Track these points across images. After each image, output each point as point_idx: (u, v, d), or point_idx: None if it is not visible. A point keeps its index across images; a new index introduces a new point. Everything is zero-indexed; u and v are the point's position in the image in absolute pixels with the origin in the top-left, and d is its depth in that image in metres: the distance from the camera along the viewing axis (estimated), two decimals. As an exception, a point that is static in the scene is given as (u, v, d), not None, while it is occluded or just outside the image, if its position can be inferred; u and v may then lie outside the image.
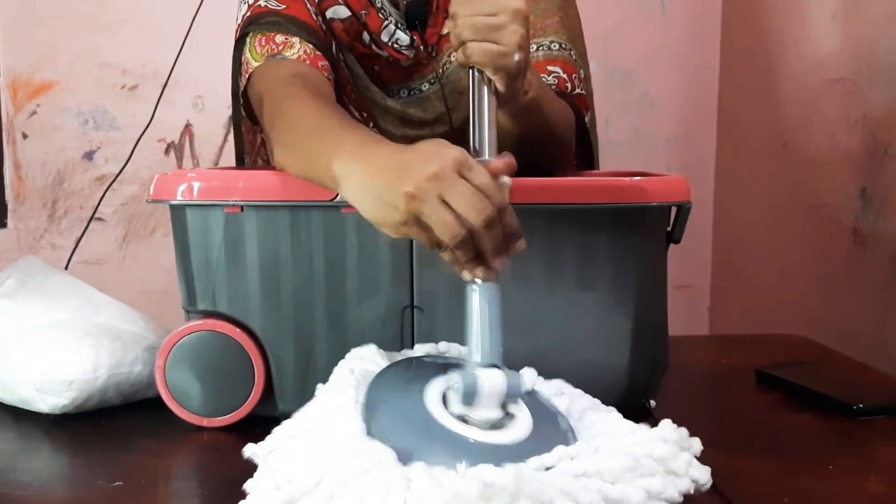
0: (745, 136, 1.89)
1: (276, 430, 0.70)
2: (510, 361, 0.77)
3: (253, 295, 0.89)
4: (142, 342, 0.97)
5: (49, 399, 0.91)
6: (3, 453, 0.87)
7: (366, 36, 1.09)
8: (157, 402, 0.91)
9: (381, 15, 1.08)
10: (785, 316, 1.67)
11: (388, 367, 0.77)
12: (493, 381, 0.69)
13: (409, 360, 0.80)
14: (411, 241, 0.88)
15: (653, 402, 0.92)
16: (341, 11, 1.09)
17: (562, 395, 0.78)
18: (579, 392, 0.79)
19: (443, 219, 0.67)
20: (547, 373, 0.80)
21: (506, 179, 0.72)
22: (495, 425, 0.69)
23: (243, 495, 0.65)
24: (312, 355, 0.89)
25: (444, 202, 0.67)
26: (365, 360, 0.79)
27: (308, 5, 1.07)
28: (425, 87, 1.13)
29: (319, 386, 0.78)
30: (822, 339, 1.32)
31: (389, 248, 0.88)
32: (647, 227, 0.90)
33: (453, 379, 0.70)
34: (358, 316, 0.88)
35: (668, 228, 0.92)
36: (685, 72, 2.02)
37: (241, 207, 0.88)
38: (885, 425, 0.91)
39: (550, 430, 0.71)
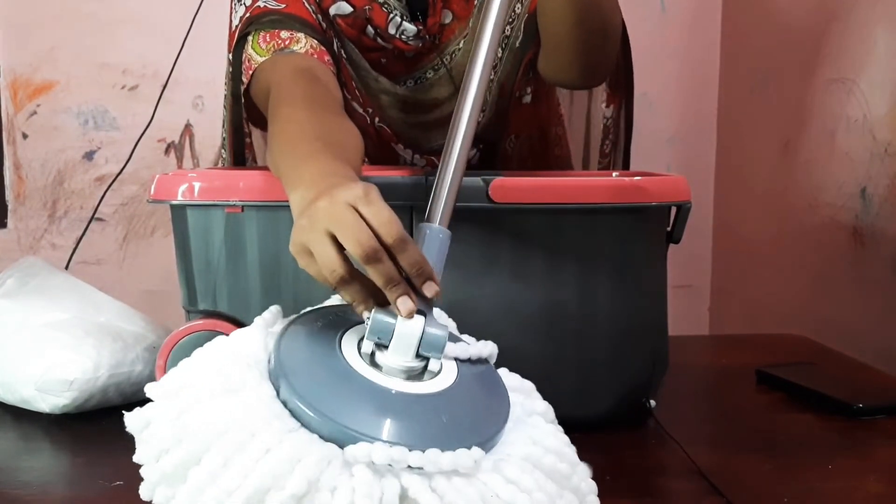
0: (745, 136, 1.89)
1: (154, 391, 0.65)
2: (516, 359, 0.77)
3: (253, 295, 0.89)
4: (142, 342, 0.98)
5: (50, 399, 0.91)
6: (3, 453, 0.87)
7: (370, 30, 1.10)
8: (158, 401, 0.91)
9: (384, 9, 1.09)
10: (785, 316, 1.67)
11: (313, 308, 0.73)
12: (408, 326, 0.65)
13: (338, 306, 0.75)
14: (411, 241, 0.88)
15: (653, 402, 0.92)
16: (344, 7, 1.10)
17: (522, 394, 0.73)
18: (540, 401, 0.74)
19: (326, 254, 0.65)
20: (547, 372, 0.80)
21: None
22: (411, 376, 0.65)
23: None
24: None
25: (332, 236, 0.65)
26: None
27: (307, 4, 1.08)
28: (430, 74, 1.14)
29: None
30: (822, 339, 1.32)
31: (390, 248, 0.88)
32: (647, 227, 0.90)
33: (368, 314, 0.66)
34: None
35: (668, 228, 0.92)
36: (685, 72, 2.02)
37: (242, 207, 0.88)
38: (886, 425, 0.91)
39: (472, 399, 0.67)
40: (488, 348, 0.73)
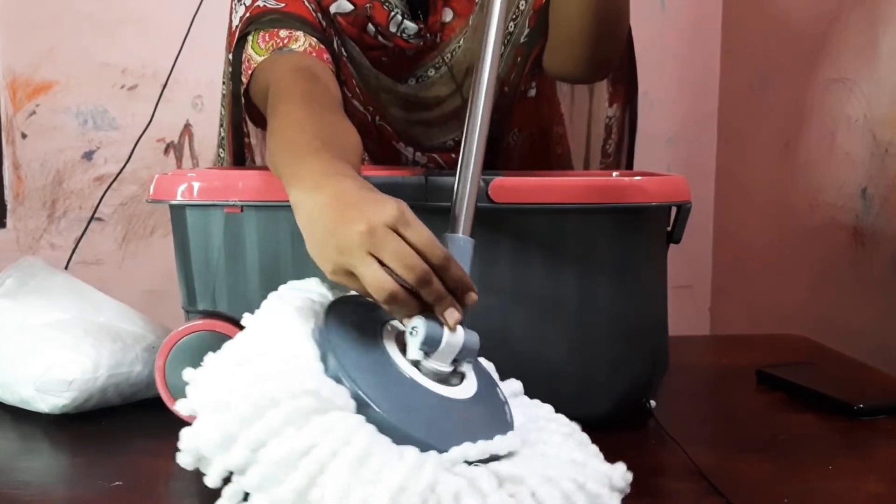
0: (745, 136, 1.89)
1: (212, 363, 0.66)
2: (515, 359, 0.77)
3: (253, 295, 0.89)
4: (142, 342, 0.97)
5: (49, 399, 0.91)
6: (3, 453, 0.87)
7: (371, 28, 1.10)
8: (157, 402, 0.91)
9: (385, 7, 1.09)
10: (785, 316, 1.67)
11: (343, 299, 0.75)
12: (453, 337, 0.69)
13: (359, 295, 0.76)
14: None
15: (653, 402, 0.92)
16: (345, 5, 1.10)
17: (516, 396, 0.78)
18: (510, 380, 0.78)
19: (373, 275, 0.67)
20: (547, 372, 0.80)
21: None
22: (442, 378, 0.70)
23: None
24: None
25: (377, 258, 0.67)
26: (304, 292, 0.76)
27: (307, 2, 1.08)
28: (431, 72, 1.14)
29: (247, 316, 0.73)
30: (822, 339, 1.32)
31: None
32: (647, 227, 0.90)
33: (416, 324, 0.69)
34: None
35: (668, 228, 0.92)
36: (685, 72, 2.02)
37: (241, 207, 0.88)
38: (886, 425, 0.91)
39: (490, 396, 0.73)
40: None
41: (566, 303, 0.88)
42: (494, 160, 1.21)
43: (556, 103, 1.29)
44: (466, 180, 0.75)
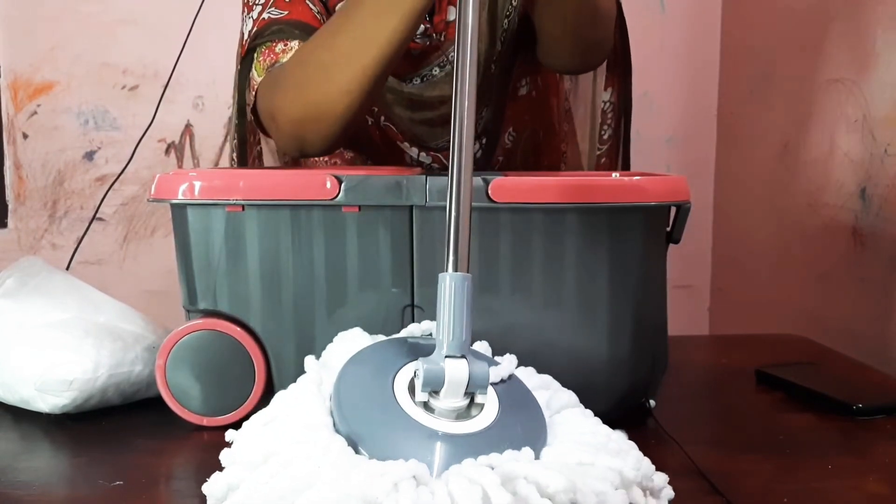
0: (745, 136, 1.89)
1: (246, 425, 0.72)
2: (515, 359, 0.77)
3: (254, 294, 0.89)
4: (142, 342, 0.98)
5: (49, 399, 0.91)
6: (3, 453, 0.87)
7: None
8: (158, 401, 0.91)
9: None
10: (785, 316, 1.67)
11: (360, 352, 0.76)
12: (455, 372, 0.69)
13: (383, 342, 0.79)
14: (411, 240, 0.88)
15: (652, 402, 0.92)
16: None
17: (546, 389, 0.77)
18: (564, 389, 0.78)
19: None
20: (546, 372, 0.80)
21: None
22: (461, 414, 0.69)
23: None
24: (312, 354, 0.89)
25: None
26: (348, 342, 0.78)
27: (311, 5, 1.08)
28: (436, 71, 1.14)
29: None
30: (822, 339, 1.32)
31: (390, 248, 0.88)
32: (646, 227, 0.90)
33: (416, 367, 0.70)
34: (358, 315, 0.88)
35: (668, 228, 0.92)
36: (685, 72, 2.02)
37: (243, 206, 0.88)
38: (885, 425, 0.91)
39: (517, 421, 0.71)
40: (511, 365, 0.77)
41: (565, 303, 0.88)
42: (492, 161, 1.22)
43: (559, 101, 1.29)
44: (460, 211, 0.71)
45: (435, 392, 0.69)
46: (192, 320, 0.90)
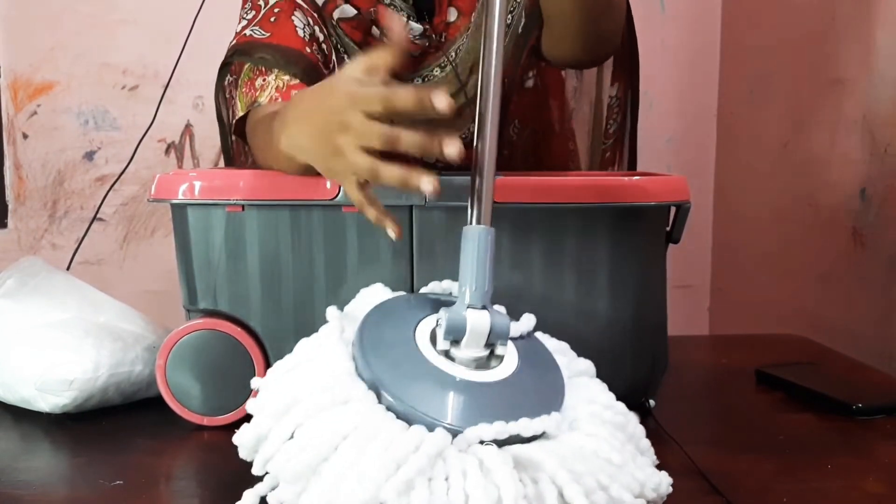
0: (745, 136, 1.89)
1: (270, 373, 0.74)
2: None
3: (254, 294, 0.89)
4: (142, 342, 0.98)
5: (50, 398, 0.91)
6: (3, 453, 0.87)
7: (375, 30, 1.11)
8: (158, 401, 0.91)
9: (390, 10, 1.09)
10: (785, 316, 1.67)
11: (383, 302, 0.78)
12: (477, 322, 0.70)
13: (405, 296, 0.81)
14: (412, 240, 0.88)
15: (652, 402, 0.92)
16: (348, 10, 1.10)
17: (563, 355, 0.79)
18: (581, 358, 0.80)
19: (350, 165, 0.71)
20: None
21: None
22: (480, 364, 0.71)
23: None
24: (313, 355, 0.89)
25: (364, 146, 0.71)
26: (371, 297, 0.81)
27: (297, 20, 1.07)
28: (437, 71, 1.14)
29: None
30: (822, 339, 1.32)
31: (390, 247, 0.88)
32: (646, 227, 0.90)
33: (440, 315, 0.72)
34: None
35: (668, 228, 0.92)
36: (685, 72, 2.02)
37: (242, 206, 0.88)
38: (885, 425, 0.91)
39: (535, 377, 0.73)
40: (531, 322, 0.78)
41: (565, 302, 0.88)
42: (500, 157, 1.21)
43: (567, 98, 1.29)
44: (484, 169, 0.73)
45: (456, 342, 0.71)
46: (193, 320, 0.90)
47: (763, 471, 0.80)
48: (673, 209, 0.91)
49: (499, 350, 0.72)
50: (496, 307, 0.77)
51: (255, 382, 0.73)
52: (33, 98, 1.88)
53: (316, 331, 0.88)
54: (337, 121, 0.72)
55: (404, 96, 0.69)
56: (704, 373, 1.15)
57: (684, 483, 0.75)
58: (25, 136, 1.88)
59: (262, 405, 0.69)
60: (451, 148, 0.68)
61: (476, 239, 0.72)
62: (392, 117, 0.70)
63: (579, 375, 0.77)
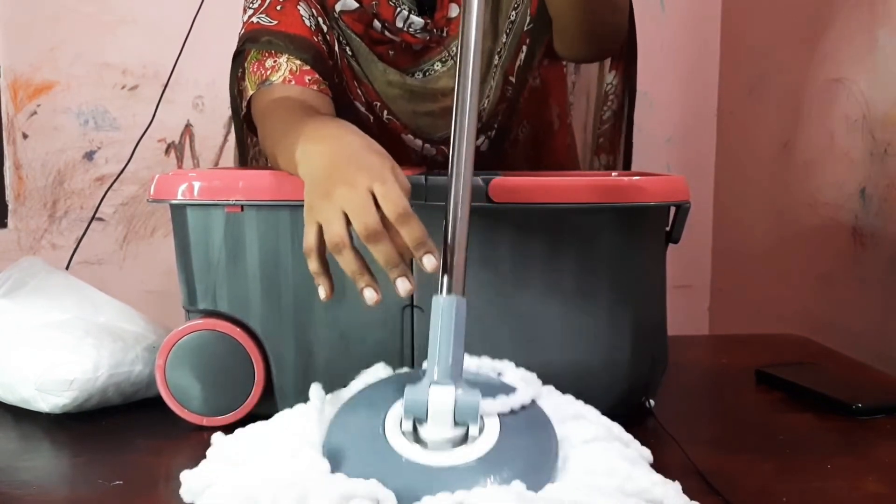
0: (745, 136, 1.89)
1: (212, 453, 0.73)
2: (514, 360, 0.77)
3: (253, 294, 0.89)
4: (142, 342, 0.98)
5: (50, 398, 0.91)
6: (3, 453, 0.87)
7: (377, 23, 1.11)
8: (158, 401, 0.91)
9: (392, 3, 1.10)
10: (785, 316, 1.67)
11: (376, 382, 0.76)
12: (439, 399, 0.66)
13: (403, 373, 0.78)
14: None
15: (652, 402, 0.92)
16: (350, 3, 1.12)
17: (578, 419, 0.74)
18: (599, 421, 0.74)
19: (333, 227, 0.71)
20: (546, 373, 0.80)
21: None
22: (456, 443, 0.66)
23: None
24: (312, 355, 0.89)
25: (346, 214, 0.71)
26: (369, 376, 0.79)
27: (303, 10, 1.08)
28: (438, 66, 1.15)
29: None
30: (822, 339, 1.32)
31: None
32: (646, 227, 0.90)
33: (404, 400, 0.67)
34: (358, 316, 0.88)
35: (668, 228, 0.92)
36: (685, 72, 2.02)
37: (242, 207, 0.88)
38: (885, 425, 0.91)
39: (515, 454, 0.67)
40: (531, 391, 0.73)
41: (565, 302, 0.88)
42: (503, 152, 1.22)
43: (564, 95, 1.30)
44: (457, 233, 0.70)
45: (418, 422, 0.67)
46: (192, 320, 0.90)
47: (762, 471, 0.80)
48: (673, 209, 0.91)
49: (472, 430, 0.67)
50: (503, 364, 0.74)
51: (217, 438, 0.74)
52: (33, 98, 1.88)
53: (315, 330, 0.89)
54: (353, 173, 0.72)
55: (410, 227, 0.70)
56: (704, 373, 1.15)
57: (683, 483, 0.75)
58: (25, 136, 1.88)
59: (220, 453, 0.71)
60: (401, 286, 0.70)
61: (446, 310, 0.68)
62: (387, 222, 0.70)
63: (591, 442, 0.70)
